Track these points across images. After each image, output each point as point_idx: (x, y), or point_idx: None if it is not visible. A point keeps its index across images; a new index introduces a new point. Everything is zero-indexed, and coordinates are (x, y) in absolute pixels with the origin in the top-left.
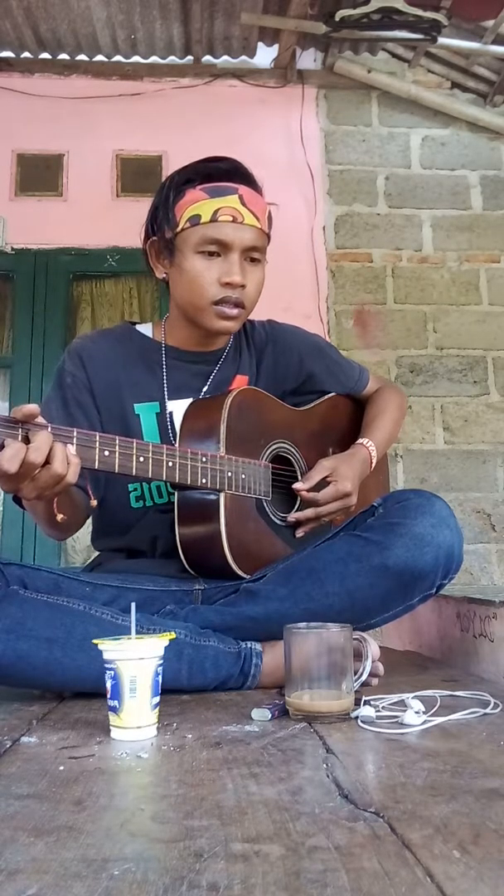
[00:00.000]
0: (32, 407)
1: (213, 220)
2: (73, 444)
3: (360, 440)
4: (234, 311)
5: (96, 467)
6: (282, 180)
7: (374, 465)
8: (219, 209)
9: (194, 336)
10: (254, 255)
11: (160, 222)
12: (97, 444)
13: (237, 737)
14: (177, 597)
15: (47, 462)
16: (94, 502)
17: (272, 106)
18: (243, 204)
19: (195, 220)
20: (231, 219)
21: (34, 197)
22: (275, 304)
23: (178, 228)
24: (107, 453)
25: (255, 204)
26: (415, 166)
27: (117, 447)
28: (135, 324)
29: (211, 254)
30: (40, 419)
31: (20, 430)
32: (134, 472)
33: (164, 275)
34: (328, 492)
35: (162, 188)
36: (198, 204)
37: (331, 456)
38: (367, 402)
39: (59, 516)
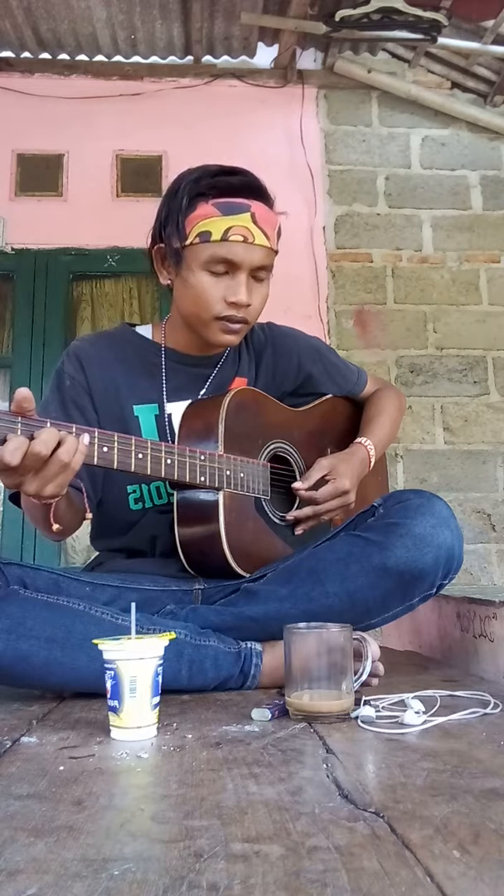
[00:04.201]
0: (24, 391)
1: (224, 239)
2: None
3: (358, 439)
4: (237, 327)
5: (95, 463)
6: (282, 180)
7: (372, 464)
8: (230, 228)
9: (195, 341)
10: (260, 273)
11: (168, 231)
12: (96, 440)
13: (237, 737)
14: (177, 597)
15: (53, 452)
16: (90, 515)
17: (272, 106)
18: (255, 222)
19: (205, 237)
20: (242, 239)
21: (34, 197)
22: (275, 305)
23: (187, 242)
24: (105, 449)
25: (266, 221)
26: (415, 166)
27: (116, 444)
28: (134, 325)
29: (218, 272)
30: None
31: (20, 424)
32: (133, 469)
33: (169, 281)
34: (326, 490)
35: (173, 194)
36: (209, 220)
37: (329, 455)
38: (366, 402)
39: (55, 526)
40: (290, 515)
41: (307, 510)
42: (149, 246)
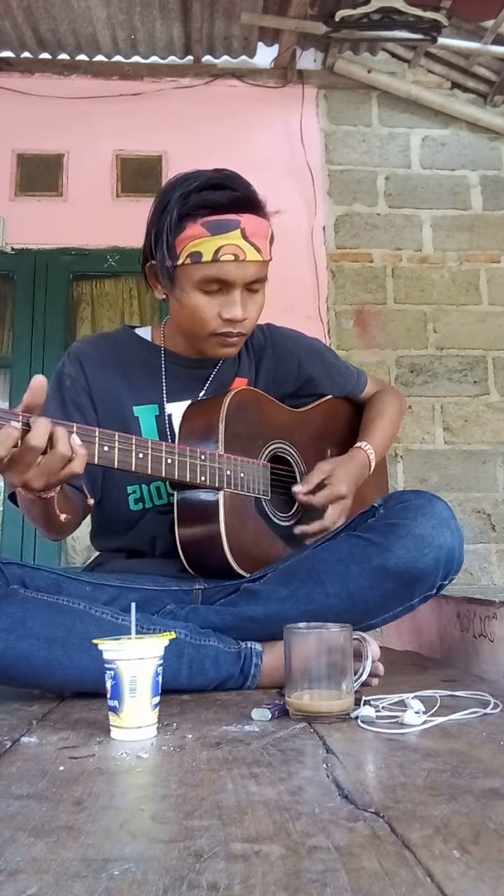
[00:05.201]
0: (39, 379)
1: (215, 259)
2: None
3: (358, 444)
4: (235, 340)
5: (96, 462)
6: (282, 180)
7: (372, 467)
8: (220, 248)
9: (194, 347)
10: (254, 286)
11: (159, 250)
12: (97, 439)
13: (237, 737)
14: (177, 596)
15: (52, 447)
16: (92, 501)
17: (272, 106)
18: (245, 238)
19: (196, 258)
20: (233, 257)
21: (34, 197)
22: (275, 305)
23: (179, 262)
24: (106, 448)
25: (256, 234)
26: (415, 166)
27: (116, 443)
28: (134, 328)
29: (212, 290)
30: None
31: (21, 420)
32: (133, 468)
33: (164, 296)
34: (323, 494)
35: (161, 210)
36: (198, 241)
37: (329, 459)
38: (366, 404)
39: (63, 516)
40: (298, 531)
41: (315, 526)
42: (141, 263)
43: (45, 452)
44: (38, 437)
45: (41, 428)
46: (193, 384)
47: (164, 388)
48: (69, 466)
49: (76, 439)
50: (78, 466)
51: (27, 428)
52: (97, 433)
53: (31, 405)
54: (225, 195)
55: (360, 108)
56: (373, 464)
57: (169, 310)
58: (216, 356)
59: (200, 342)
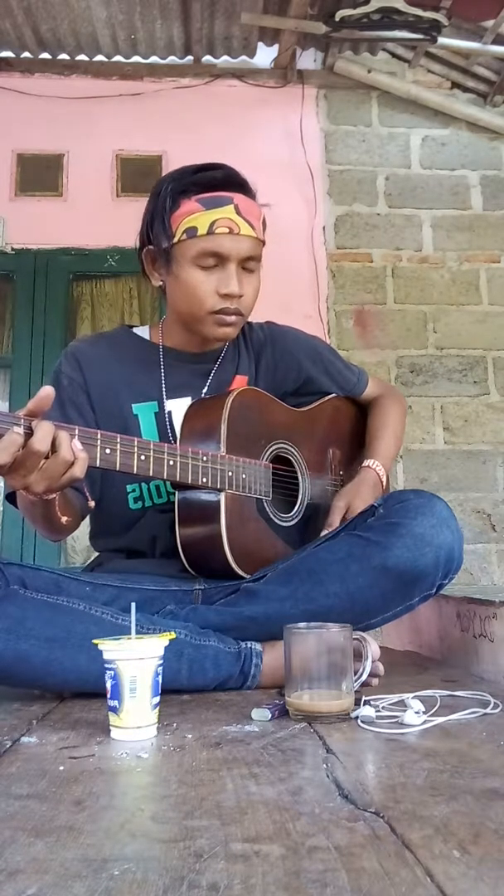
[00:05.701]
0: (47, 389)
1: (210, 232)
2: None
3: (366, 462)
4: (233, 318)
5: (97, 465)
6: (282, 180)
7: (384, 483)
8: (215, 221)
9: (192, 339)
10: (250, 264)
11: (156, 232)
12: (98, 441)
13: (237, 737)
14: (177, 597)
15: (54, 451)
16: (92, 503)
17: (272, 106)
18: (239, 213)
19: (192, 233)
20: (227, 230)
21: (34, 197)
22: (275, 304)
23: (175, 240)
24: (108, 451)
25: (250, 212)
26: (415, 166)
27: (118, 445)
28: (132, 327)
29: (208, 265)
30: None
31: (23, 424)
32: (135, 471)
33: (161, 282)
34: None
35: (156, 196)
36: (194, 216)
37: (342, 491)
38: (369, 412)
39: (64, 519)
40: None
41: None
42: (137, 250)
43: (47, 457)
44: (41, 441)
45: (44, 432)
46: (193, 381)
47: (163, 385)
48: (71, 471)
49: (77, 444)
50: (79, 471)
51: (30, 432)
52: (99, 436)
53: (35, 412)
54: (218, 173)
55: (360, 108)
56: (384, 479)
57: (167, 298)
58: (214, 337)
59: (198, 324)
